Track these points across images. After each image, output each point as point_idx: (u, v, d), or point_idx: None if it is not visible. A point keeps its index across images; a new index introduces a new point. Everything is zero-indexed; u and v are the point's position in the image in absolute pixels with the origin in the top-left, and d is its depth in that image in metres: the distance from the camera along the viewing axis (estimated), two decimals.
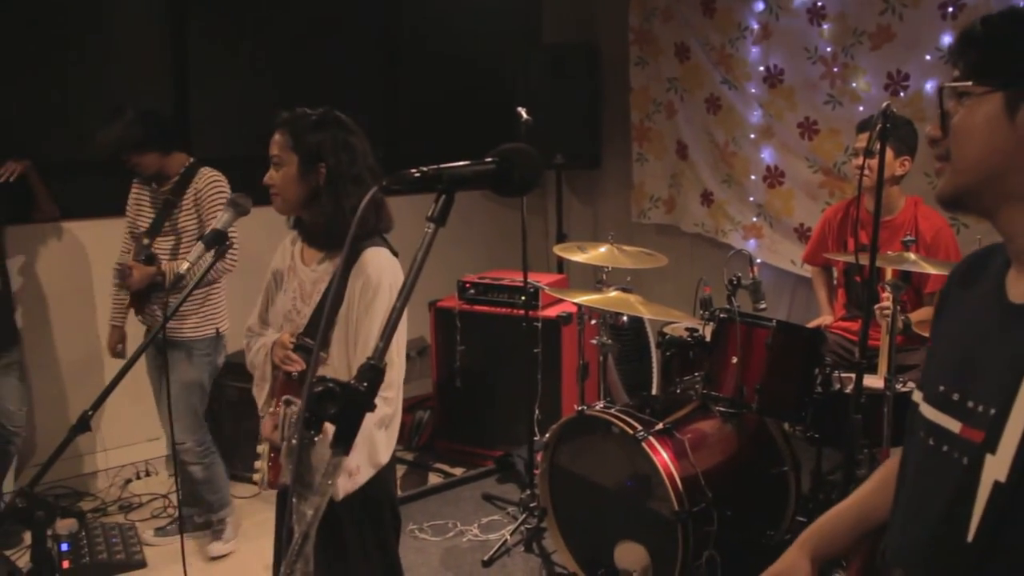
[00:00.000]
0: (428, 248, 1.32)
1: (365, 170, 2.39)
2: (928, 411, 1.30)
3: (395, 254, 2.44)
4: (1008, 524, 1.15)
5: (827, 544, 1.56)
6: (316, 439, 1.28)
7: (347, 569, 2.42)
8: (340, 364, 2.35)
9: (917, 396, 1.36)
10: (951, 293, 1.41)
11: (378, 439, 2.33)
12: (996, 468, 1.15)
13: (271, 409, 2.44)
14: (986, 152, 1.22)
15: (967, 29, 1.27)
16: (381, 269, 2.35)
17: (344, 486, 2.26)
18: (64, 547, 3.84)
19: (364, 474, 2.32)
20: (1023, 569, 1.15)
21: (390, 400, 2.35)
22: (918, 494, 1.32)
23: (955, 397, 1.25)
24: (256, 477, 2.47)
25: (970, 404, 1.23)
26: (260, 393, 2.50)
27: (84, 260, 4.54)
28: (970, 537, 1.17)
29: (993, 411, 1.18)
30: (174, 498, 4.37)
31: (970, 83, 1.22)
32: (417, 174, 1.33)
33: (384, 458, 2.37)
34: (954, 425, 1.24)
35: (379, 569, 2.48)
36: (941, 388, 1.28)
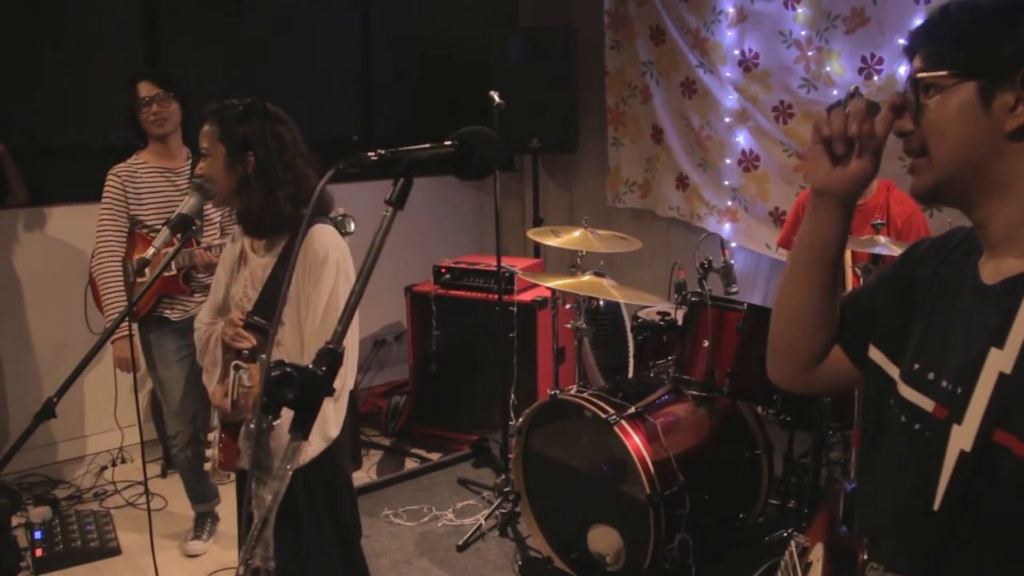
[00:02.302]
0: (387, 231, 1.31)
1: (297, 157, 2.43)
2: (905, 390, 1.31)
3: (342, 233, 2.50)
4: (972, 491, 1.17)
5: None
6: (275, 424, 1.27)
7: (302, 544, 2.42)
8: (293, 340, 2.38)
9: (893, 372, 1.36)
10: (919, 273, 1.40)
11: (328, 412, 2.33)
12: (962, 438, 1.18)
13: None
14: (963, 143, 1.22)
15: (928, 20, 1.27)
16: (328, 244, 2.38)
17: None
18: (37, 535, 3.82)
19: (315, 447, 2.33)
20: (986, 534, 1.18)
21: (339, 373, 2.33)
22: (890, 469, 1.34)
23: (930, 376, 1.27)
24: (207, 466, 2.47)
25: (943, 383, 1.25)
26: (211, 379, 2.51)
27: (56, 245, 4.50)
28: (936, 505, 1.20)
29: (960, 389, 1.21)
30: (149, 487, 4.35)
31: (944, 73, 1.22)
32: (375, 157, 1.32)
33: (334, 431, 2.37)
34: (928, 404, 1.26)
35: (334, 544, 2.50)
36: (916, 366, 1.30)
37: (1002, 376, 1.15)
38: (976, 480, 1.17)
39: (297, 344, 2.35)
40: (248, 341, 2.38)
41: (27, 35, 4.43)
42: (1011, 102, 1.18)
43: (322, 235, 2.40)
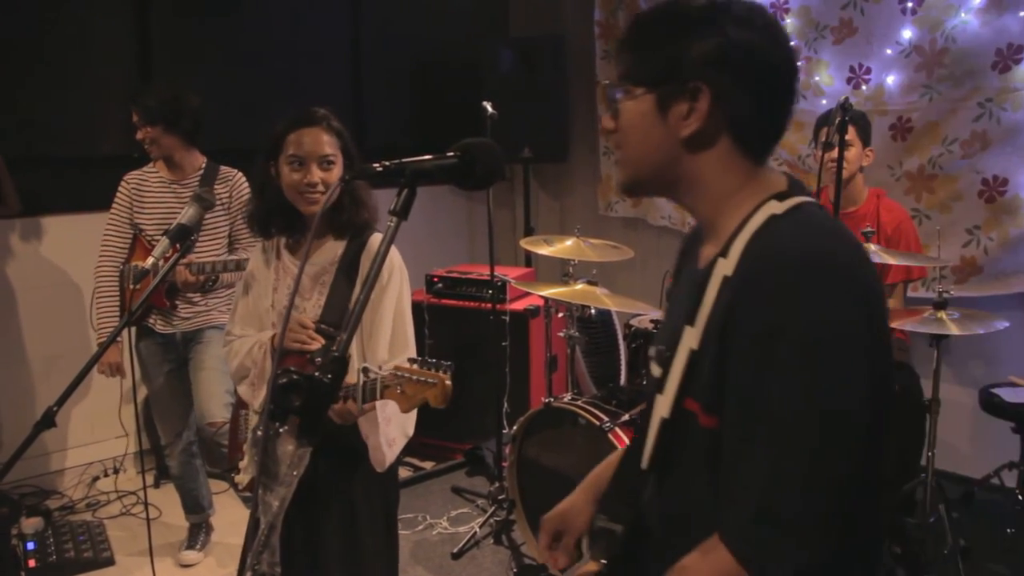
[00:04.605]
0: (391, 241, 1.34)
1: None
2: (653, 367, 1.43)
3: None
4: (669, 453, 1.33)
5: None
6: (282, 431, 1.28)
7: (356, 537, 2.45)
8: (353, 350, 2.37)
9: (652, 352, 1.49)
10: (679, 265, 1.54)
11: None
12: (662, 406, 1.32)
13: None
14: (646, 148, 1.33)
15: (627, 27, 1.36)
16: (391, 256, 2.41)
17: (388, 456, 2.34)
18: (30, 546, 3.81)
19: (399, 444, 2.39)
20: (685, 488, 1.32)
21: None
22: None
23: (667, 355, 1.38)
24: (239, 478, 2.44)
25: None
26: (257, 392, 2.39)
27: (50, 256, 4.49)
28: (645, 464, 1.37)
29: (668, 355, 1.34)
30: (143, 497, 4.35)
31: (628, 84, 1.32)
32: (380, 168, 1.35)
33: (411, 429, 2.46)
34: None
35: (383, 538, 2.54)
36: (661, 347, 1.41)
37: (692, 351, 1.26)
38: (672, 443, 1.31)
39: (357, 352, 2.37)
40: (318, 342, 2.35)
41: (20, 45, 4.43)
42: (684, 111, 1.27)
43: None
